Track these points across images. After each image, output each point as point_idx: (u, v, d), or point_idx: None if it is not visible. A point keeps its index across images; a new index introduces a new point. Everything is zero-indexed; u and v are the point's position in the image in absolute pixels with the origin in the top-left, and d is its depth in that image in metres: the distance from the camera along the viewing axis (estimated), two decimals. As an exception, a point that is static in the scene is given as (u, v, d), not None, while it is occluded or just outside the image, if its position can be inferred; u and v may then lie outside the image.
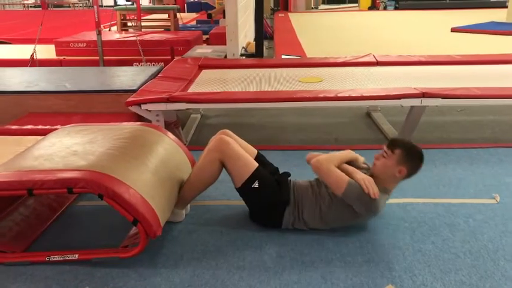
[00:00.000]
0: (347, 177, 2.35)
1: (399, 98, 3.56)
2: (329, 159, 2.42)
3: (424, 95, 3.54)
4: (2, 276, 2.17)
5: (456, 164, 3.37)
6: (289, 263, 2.23)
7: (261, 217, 2.56)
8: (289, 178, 2.62)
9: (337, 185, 2.36)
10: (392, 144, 2.44)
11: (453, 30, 9.57)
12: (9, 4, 20.42)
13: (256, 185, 2.45)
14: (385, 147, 2.45)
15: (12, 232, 2.45)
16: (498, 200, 2.81)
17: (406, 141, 2.48)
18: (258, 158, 2.65)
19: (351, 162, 2.50)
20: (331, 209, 2.44)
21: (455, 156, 3.50)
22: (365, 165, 2.56)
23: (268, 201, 2.49)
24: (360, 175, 2.37)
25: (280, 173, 2.71)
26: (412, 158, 2.41)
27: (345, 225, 2.48)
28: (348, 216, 2.43)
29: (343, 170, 2.40)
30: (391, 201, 2.78)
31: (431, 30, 9.73)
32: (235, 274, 2.15)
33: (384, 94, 3.60)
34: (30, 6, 20.18)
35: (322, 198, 2.46)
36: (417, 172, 2.46)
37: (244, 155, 2.51)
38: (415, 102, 3.58)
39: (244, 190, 2.50)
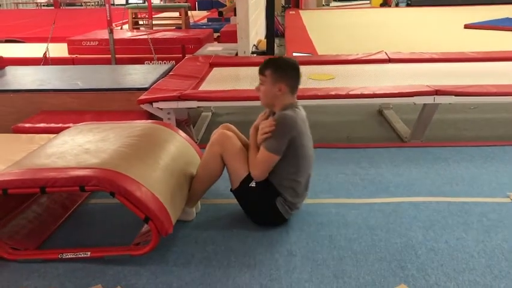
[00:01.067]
0: (261, 151, 2.35)
1: (412, 96, 3.53)
2: (251, 150, 2.42)
3: (437, 92, 3.50)
4: (15, 273, 2.19)
5: (469, 162, 3.34)
6: (300, 261, 2.22)
7: (262, 218, 2.53)
8: None
9: (267, 159, 2.35)
10: (261, 68, 2.42)
11: (466, 26, 9.45)
12: (22, 3, 20.60)
13: (253, 184, 2.43)
14: (259, 76, 2.44)
15: (25, 230, 2.47)
16: (513, 199, 2.77)
17: (272, 58, 2.46)
18: None
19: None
20: (284, 166, 2.40)
21: (468, 155, 3.46)
22: (262, 116, 2.55)
23: (263, 200, 2.45)
24: (253, 139, 2.42)
25: None
26: (283, 70, 2.40)
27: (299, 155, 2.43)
28: (292, 153, 2.38)
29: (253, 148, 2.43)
30: (402, 199, 2.78)
31: (444, 27, 9.62)
32: (247, 273, 2.15)
33: (397, 92, 3.57)
34: (43, 5, 20.34)
35: (276, 168, 2.42)
36: (298, 80, 2.44)
37: (244, 152, 2.48)
38: (428, 99, 3.55)
39: (241, 190, 2.47)
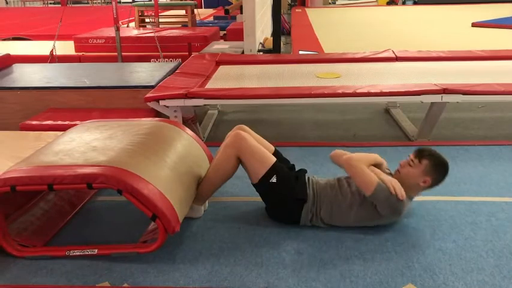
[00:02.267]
0: (377, 178, 2.34)
1: (419, 94, 3.51)
2: (360, 159, 2.41)
3: (444, 91, 3.48)
4: (22, 270, 2.19)
5: (477, 161, 3.31)
6: (307, 260, 2.21)
7: (278, 213, 2.55)
8: (306, 174, 2.60)
9: (366, 185, 2.34)
10: (420, 153, 2.42)
11: (474, 25, 9.40)
12: (29, 1, 20.68)
13: (274, 179, 2.44)
14: (412, 156, 2.43)
15: (33, 227, 2.48)
16: (521, 199, 2.75)
17: (433, 151, 2.45)
18: (275, 154, 2.64)
19: (375, 166, 2.48)
20: (352, 209, 2.42)
21: (476, 154, 3.44)
22: (387, 171, 2.55)
23: (286, 196, 2.47)
24: (388, 177, 2.37)
25: (297, 169, 2.69)
26: (438, 170, 2.40)
27: (363, 225, 2.45)
28: (369, 216, 2.41)
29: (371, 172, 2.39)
30: (411, 198, 2.75)
31: (452, 25, 9.57)
32: (253, 271, 2.15)
33: (404, 90, 3.55)
34: (50, 3, 20.41)
35: (343, 197, 2.44)
36: (440, 184, 2.45)
37: (261, 149, 2.50)
38: (436, 98, 3.52)
39: (261, 185, 2.49)
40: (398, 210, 2.36)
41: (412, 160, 2.43)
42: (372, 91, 3.53)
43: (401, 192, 2.31)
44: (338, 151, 2.54)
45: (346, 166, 2.42)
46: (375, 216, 2.40)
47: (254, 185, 2.54)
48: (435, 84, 3.58)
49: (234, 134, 2.54)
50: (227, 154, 2.50)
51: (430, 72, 4.23)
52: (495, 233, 2.40)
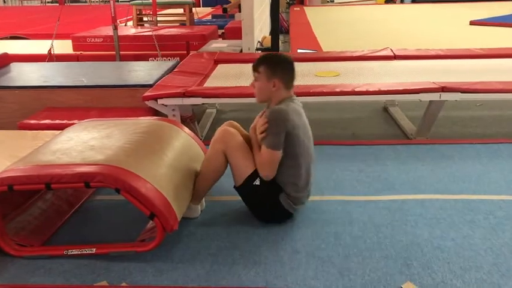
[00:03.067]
0: (263, 150, 2.35)
1: (417, 93, 3.51)
2: (257, 160, 2.40)
3: (443, 89, 3.48)
4: (20, 269, 2.19)
5: (476, 159, 3.32)
6: (305, 259, 2.21)
7: (267, 215, 2.53)
8: None
9: (270, 156, 2.34)
10: (255, 65, 2.43)
11: (472, 23, 9.40)
12: (26, 0, 20.64)
13: (257, 182, 2.42)
14: (253, 73, 2.44)
15: (31, 226, 2.47)
16: (519, 197, 2.75)
17: (265, 55, 2.46)
18: None
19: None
20: (282, 160, 2.39)
21: (474, 152, 3.44)
22: (259, 117, 2.54)
23: (268, 198, 2.44)
24: (254, 140, 2.43)
25: None
26: (276, 66, 2.40)
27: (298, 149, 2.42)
28: (288, 145, 2.37)
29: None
30: (408, 196, 2.76)
31: (450, 24, 9.57)
32: (252, 270, 2.14)
33: (402, 88, 3.55)
34: (48, 2, 20.37)
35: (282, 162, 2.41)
36: (292, 75, 2.44)
37: (248, 149, 2.46)
38: (434, 96, 3.52)
39: (244, 188, 2.46)
40: (278, 120, 2.33)
41: (254, 76, 2.44)
42: (371, 89, 3.53)
43: (260, 127, 2.34)
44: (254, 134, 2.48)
45: (268, 173, 2.40)
46: (292, 143, 2.38)
47: (237, 188, 2.51)
48: (433, 83, 3.58)
49: (221, 130, 2.52)
50: (215, 149, 2.48)
51: (429, 70, 4.22)
52: (493, 231, 2.40)
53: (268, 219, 2.53)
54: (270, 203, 2.46)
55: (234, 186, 2.52)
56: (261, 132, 2.36)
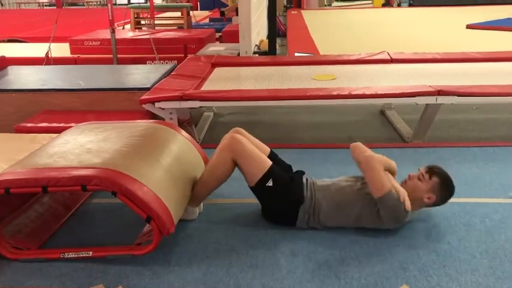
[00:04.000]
0: (390, 183, 2.35)
1: (414, 96, 3.52)
2: (380, 160, 2.42)
3: (439, 92, 3.49)
4: (17, 272, 2.19)
5: (472, 162, 3.33)
6: (302, 262, 2.21)
7: (275, 216, 2.55)
8: (303, 176, 2.60)
9: (378, 187, 2.34)
10: (432, 170, 2.46)
11: (468, 27, 9.45)
12: (24, 3, 20.63)
13: (270, 183, 2.44)
14: (423, 170, 2.47)
15: (28, 229, 2.47)
16: (515, 200, 2.76)
17: (444, 172, 2.48)
18: (271, 156, 2.64)
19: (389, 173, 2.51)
20: (354, 210, 2.42)
21: (471, 155, 3.46)
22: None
23: (283, 199, 2.47)
24: (400, 187, 2.40)
25: (294, 171, 2.70)
26: (445, 189, 2.44)
27: (360, 226, 2.46)
28: (369, 219, 2.41)
29: None
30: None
31: (446, 27, 9.61)
32: (249, 272, 2.15)
33: (399, 92, 3.56)
34: (45, 5, 20.37)
35: (347, 196, 2.44)
36: (441, 205, 2.49)
37: (258, 153, 2.50)
38: (430, 100, 3.54)
39: (258, 189, 2.49)
40: (400, 219, 2.39)
41: (422, 174, 2.45)
42: (367, 93, 3.54)
43: (408, 203, 2.34)
44: (360, 145, 2.50)
45: (364, 163, 2.40)
46: (375, 220, 2.40)
47: (251, 188, 2.53)
48: (430, 86, 3.59)
49: (230, 137, 2.53)
50: (223, 157, 2.50)
51: (425, 74, 4.24)
52: (489, 234, 2.41)
53: (274, 219, 2.54)
54: (286, 206, 2.48)
55: (249, 186, 2.53)
56: (402, 197, 2.35)
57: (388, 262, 2.19)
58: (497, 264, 2.16)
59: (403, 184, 2.49)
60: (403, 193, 2.36)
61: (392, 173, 2.55)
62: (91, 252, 2.27)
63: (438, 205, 2.49)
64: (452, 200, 2.75)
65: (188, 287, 2.07)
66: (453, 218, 2.58)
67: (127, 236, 2.43)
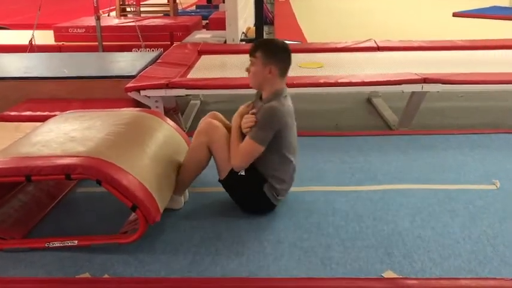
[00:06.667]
0: (246, 140, 2.35)
1: (400, 84, 3.54)
2: (233, 148, 2.40)
3: (425, 80, 3.51)
4: (1, 262, 2.17)
5: (457, 149, 3.36)
6: (288, 249, 2.23)
7: (250, 206, 2.53)
8: None
9: (252, 149, 2.35)
10: (252, 50, 2.41)
11: (455, 14, 9.49)
12: (7, -11, 20.24)
13: (242, 172, 2.43)
14: (249, 58, 2.42)
15: (12, 219, 2.45)
16: (498, 186, 2.80)
17: (263, 40, 2.47)
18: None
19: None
20: (268, 157, 2.40)
21: (456, 142, 3.49)
22: (247, 106, 2.56)
23: (253, 187, 2.46)
24: (236, 128, 2.41)
25: None
26: (274, 52, 2.39)
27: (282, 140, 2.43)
28: (276, 144, 2.39)
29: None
30: (390, 187, 2.79)
31: (433, 15, 9.65)
32: (235, 260, 2.15)
33: (385, 80, 3.57)
34: (29, -8, 20.04)
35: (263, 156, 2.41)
36: (288, 63, 2.44)
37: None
38: (416, 88, 3.56)
39: (230, 179, 2.46)
40: (272, 117, 2.34)
41: (250, 60, 2.42)
42: (354, 81, 3.55)
43: (249, 121, 2.34)
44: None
45: (241, 164, 2.41)
46: (281, 143, 2.39)
47: (222, 181, 2.51)
48: (416, 74, 3.61)
49: (205, 122, 2.51)
50: (199, 142, 2.47)
51: (412, 62, 4.26)
52: (472, 220, 2.44)
53: (251, 209, 2.53)
54: (254, 192, 2.46)
55: (219, 180, 2.52)
56: (248, 127, 2.35)
57: (373, 248, 2.21)
58: (480, 249, 2.19)
59: (249, 82, 2.47)
60: (242, 124, 2.36)
61: (242, 115, 2.48)
62: (76, 241, 2.25)
63: (286, 67, 2.43)
64: (437, 186, 2.79)
65: (174, 275, 2.07)
66: (438, 204, 2.60)
67: (112, 225, 2.42)
